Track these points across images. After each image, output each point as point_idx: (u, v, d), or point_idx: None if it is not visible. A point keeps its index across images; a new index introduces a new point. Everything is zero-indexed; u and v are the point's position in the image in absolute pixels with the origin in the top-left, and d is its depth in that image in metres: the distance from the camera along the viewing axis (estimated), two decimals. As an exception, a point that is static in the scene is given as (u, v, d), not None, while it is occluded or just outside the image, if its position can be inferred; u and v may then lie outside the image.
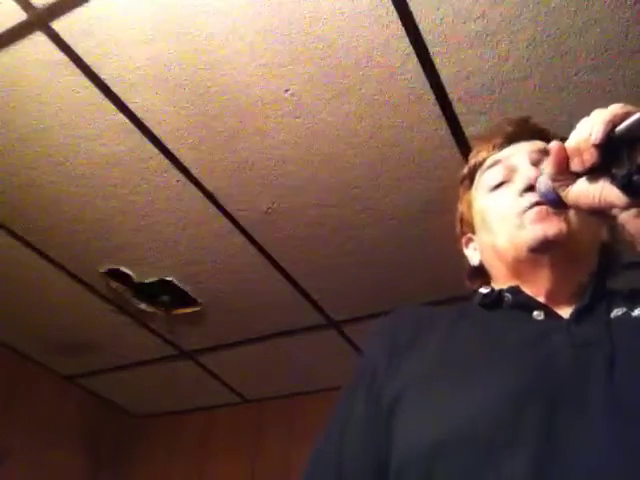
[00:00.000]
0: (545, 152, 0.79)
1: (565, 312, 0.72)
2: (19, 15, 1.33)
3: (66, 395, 2.77)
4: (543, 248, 0.74)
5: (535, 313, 0.72)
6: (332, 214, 1.78)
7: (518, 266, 0.78)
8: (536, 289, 0.77)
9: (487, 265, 0.86)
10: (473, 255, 0.89)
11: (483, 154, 0.87)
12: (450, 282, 1.83)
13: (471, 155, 0.91)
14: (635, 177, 0.58)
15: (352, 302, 2.13)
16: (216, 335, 2.38)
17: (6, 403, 2.48)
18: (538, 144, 0.83)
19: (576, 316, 0.70)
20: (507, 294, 0.76)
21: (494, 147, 0.86)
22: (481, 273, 0.87)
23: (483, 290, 0.80)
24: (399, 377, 0.71)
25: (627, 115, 0.58)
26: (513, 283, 0.78)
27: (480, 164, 0.87)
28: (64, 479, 2.63)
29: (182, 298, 2.17)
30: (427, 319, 0.80)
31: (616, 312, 0.70)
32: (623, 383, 0.60)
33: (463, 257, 0.92)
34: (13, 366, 2.55)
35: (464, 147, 1.55)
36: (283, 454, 2.61)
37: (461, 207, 0.92)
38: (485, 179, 0.85)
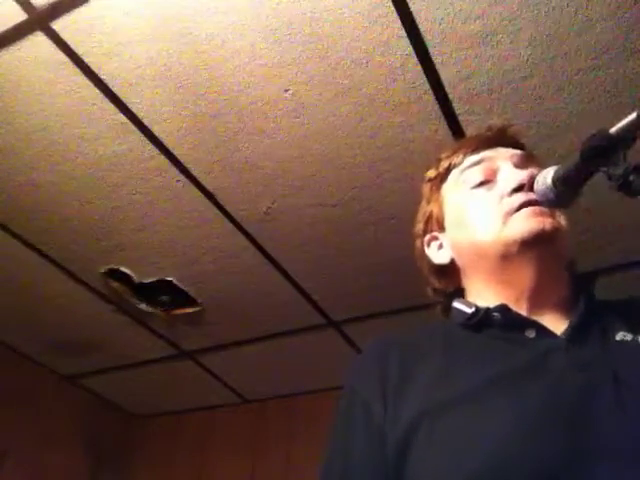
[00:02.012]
0: (528, 157, 0.84)
1: (555, 326, 0.71)
2: (19, 15, 1.33)
3: (66, 395, 2.77)
4: (538, 240, 0.73)
5: (527, 332, 0.70)
6: (332, 214, 1.78)
7: (502, 263, 0.76)
8: (518, 290, 0.76)
9: (460, 262, 0.84)
10: (438, 254, 0.87)
11: (460, 155, 0.87)
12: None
13: (444, 155, 0.90)
14: (631, 176, 0.59)
15: (352, 302, 2.13)
16: (216, 335, 2.38)
17: (6, 403, 2.47)
18: (517, 151, 0.85)
19: (571, 335, 0.69)
20: (495, 313, 0.74)
21: (473, 150, 0.87)
22: (449, 271, 0.86)
23: (465, 308, 0.77)
24: (403, 416, 0.68)
25: None
26: (491, 284, 0.78)
27: (457, 165, 0.87)
28: (64, 479, 2.63)
29: (182, 298, 2.17)
30: (411, 349, 0.76)
31: (622, 336, 0.68)
32: (633, 404, 0.59)
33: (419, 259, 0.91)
34: (13, 366, 2.55)
35: (464, 147, 1.55)
36: (283, 454, 2.61)
37: (428, 206, 0.92)
38: (466, 177, 0.84)
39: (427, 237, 0.90)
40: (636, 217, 1.65)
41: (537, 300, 0.75)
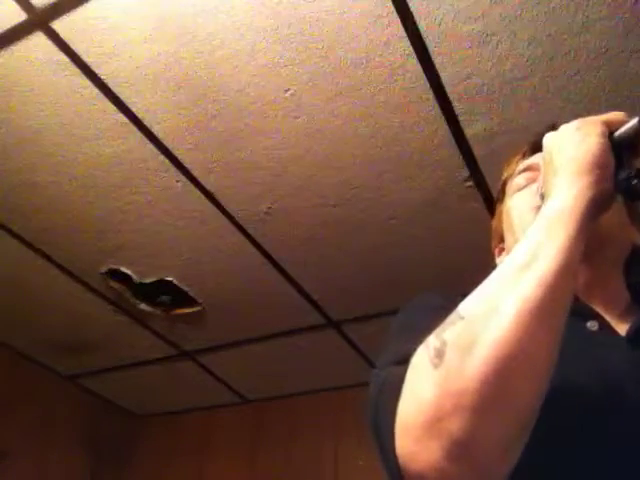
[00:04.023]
0: None
1: (617, 325, 0.68)
2: (19, 15, 1.33)
3: (66, 395, 2.77)
4: None
5: (589, 323, 0.68)
6: (332, 214, 1.78)
7: None
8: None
9: None
10: (498, 260, 0.89)
11: (512, 165, 0.89)
12: (451, 282, 1.83)
13: (503, 171, 0.92)
14: (634, 181, 0.58)
15: (352, 302, 2.13)
16: (216, 335, 2.38)
17: (6, 403, 2.47)
18: None
19: (634, 336, 0.65)
20: None
21: (522, 156, 0.88)
22: None
23: None
24: None
25: (623, 122, 0.59)
26: None
27: (510, 175, 0.88)
28: (64, 479, 2.63)
29: (182, 298, 2.17)
30: None
31: None
32: None
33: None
34: (13, 366, 2.55)
35: (464, 147, 1.55)
36: (283, 454, 2.61)
37: (493, 221, 0.94)
38: (514, 184, 0.86)
39: (497, 249, 0.92)
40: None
41: (590, 299, 0.72)
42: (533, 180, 0.81)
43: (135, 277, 2.09)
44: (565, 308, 0.53)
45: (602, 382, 0.60)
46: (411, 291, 2.03)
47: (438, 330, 0.54)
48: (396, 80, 1.41)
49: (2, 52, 1.41)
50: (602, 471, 0.57)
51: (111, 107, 1.53)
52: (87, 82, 1.47)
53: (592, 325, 0.67)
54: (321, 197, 1.73)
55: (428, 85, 1.41)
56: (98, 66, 1.44)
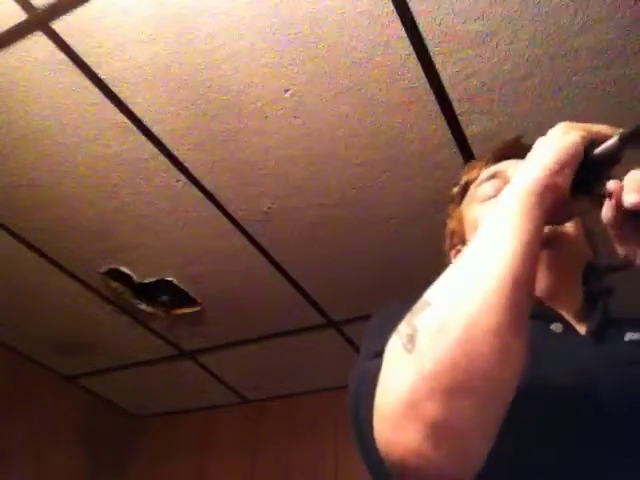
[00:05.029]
0: None
1: (578, 326, 0.72)
2: (19, 15, 1.33)
3: (66, 395, 2.77)
4: (549, 241, 0.74)
5: (553, 326, 0.71)
6: (332, 214, 1.78)
7: None
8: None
9: None
10: None
11: (476, 171, 0.90)
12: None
13: (463, 174, 0.94)
14: (601, 198, 0.60)
15: (352, 302, 2.13)
16: (216, 335, 2.38)
17: (6, 403, 2.47)
18: None
19: (594, 333, 0.70)
20: None
21: (486, 164, 0.89)
22: None
23: None
24: None
25: (606, 136, 0.61)
26: None
27: (473, 180, 0.90)
28: (64, 479, 2.63)
29: (182, 298, 2.17)
30: None
31: (631, 336, 0.70)
32: None
33: None
34: (13, 366, 2.55)
35: (464, 147, 1.55)
36: (283, 454, 2.61)
37: (451, 223, 0.95)
38: (480, 191, 0.86)
39: (453, 252, 0.94)
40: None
41: (555, 303, 0.75)
42: (501, 190, 0.82)
43: (135, 277, 2.09)
44: (528, 284, 0.55)
45: (570, 376, 0.62)
46: (411, 291, 2.03)
47: (407, 317, 0.56)
48: (396, 80, 1.41)
49: (2, 52, 1.41)
50: (573, 461, 0.58)
51: (111, 107, 1.53)
52: (87, 82, 1.47)
53: (556, 327, 0.71)
54: (321, 197, 1.73)
55: (428, 85, 1.41)
56: (98, 66, 1.44)
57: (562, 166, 0.60)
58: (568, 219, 0.69)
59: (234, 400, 2.87)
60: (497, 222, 0.58)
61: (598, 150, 0.61)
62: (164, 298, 2.17)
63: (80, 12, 1.32)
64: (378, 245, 1.87)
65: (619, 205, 0.57)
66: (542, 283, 0.75)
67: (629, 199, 0.55)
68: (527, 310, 0.54)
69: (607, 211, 0.59)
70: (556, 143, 0.61)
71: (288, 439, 2.64)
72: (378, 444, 0.52)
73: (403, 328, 0.55)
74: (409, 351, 0.52)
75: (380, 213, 1.77)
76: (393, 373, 0.53)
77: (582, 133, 0.62)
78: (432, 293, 0.57)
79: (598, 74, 1.34)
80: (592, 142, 0.61)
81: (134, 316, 2.30)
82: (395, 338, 0.55)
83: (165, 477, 2.84)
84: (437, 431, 0.49)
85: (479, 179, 0.88)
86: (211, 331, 2.36)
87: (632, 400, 0.61)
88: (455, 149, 1.55)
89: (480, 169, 0.89)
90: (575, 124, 0.64)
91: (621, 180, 0.59)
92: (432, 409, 0.49)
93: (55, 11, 1.32)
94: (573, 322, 0.73)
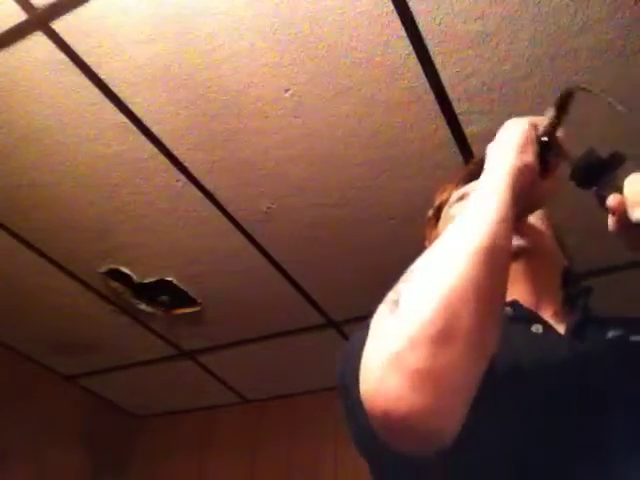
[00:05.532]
0: None
1: (558, 326, 0.74)
2: (19, 15, 1.33)
3: (66, 395, 2.77)
4: (527, 252, 0.78)
5: (534, 327, 0.73)
6: (332, 214, 1.78)
7: None
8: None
9: None
10: None
11: (447, 193, 0.92)
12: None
13: (436, 196, 0.96)
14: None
15: (352, 302, 2.13)
16: (216, 335, 2.38)
17: (6, 403, 2.47)
18: None
19: (574, 333, 0.72)
20: (507, 307, 0.77)
21: (457, 184, 0.91)
22: None
23: None
24: None
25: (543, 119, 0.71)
26: None
27: (445, 202, 0.92)
28: (64, 479, 2.63)
29: (182, 298, 2.17)
30: None
31: (613, 333, 0.72)
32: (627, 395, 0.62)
33: None
34: (13, 366, 2.55)
35: (464, 147, 1.55)
36: (283, 454, 2.61)
37: (428, 245, 0.96)
38: (451, 212, 0.88)
39: None
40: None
41: (536, 305, 0.78)
42: None
43: (135, 277, 2.09)
44: (504, 252, 0.60)
45: (548, 376, 0.65)
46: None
47: (395, 287, 0.61)
48: (396, 80, 1.41)
49: (2, 52, 1.41)
50: (548, 460, 0.60)
51: (111, 107, 1.53)
52: (87, 82, 1.47)
53: (537, 328, 0.73)
54: (321, 197, 1.73)
55: (428, 85, 1.41)
56: (98, 66, 1.44)
57: (524, 147, 0.67)
58: (542, 201, 0.75)
59: (234, 400, 2.87)
60: (475, 202, 0.64)
61: (542, 127, 0.70)
62: (164, 298, 2.17)
63: (80, 12, 1.32)
64: (378, 245, 1.87)
65: (623, 220, 0.59)
66: (522, 290, 0.78)
67: (636, 215, 0.58)
68: (503, 279, 0.58)
69: (611, 225, 0.62)
70: (511, 133, 0.69)
71: (288, 439, 2.64)
72: (363, 399, 0.54)
73: (390, 295, 0.60)
74: (392, 312, 0.56)
75: (380, 213, 1.77)
76: (377, 333, 0.57)
77: (524, 120, 0.70)
78: (417, 263, 0.62)
79: (598, 74, 1.34)
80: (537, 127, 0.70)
81: (134, 316, 2.30)
82: (382, 305, 0.59)
83: (165, 477, 2.84)
84: (420, 378, 0.51)
85: (450, 200, 0.90)
86: (211, 331, 2.36)
87: (609, 397, 0.63)
88: (455, 149, 1.55)
89: (451, 191, 0.91)
90: (515, 119, 0.72)
91: (617, 182, 0.60)
92: (415, 357, 0.51)
93: (55, 11, 1.32)
94: (553, 323, 0.75)
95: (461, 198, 0.87)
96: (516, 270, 0.77)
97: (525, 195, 0.66)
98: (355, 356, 0.59)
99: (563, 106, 0.68)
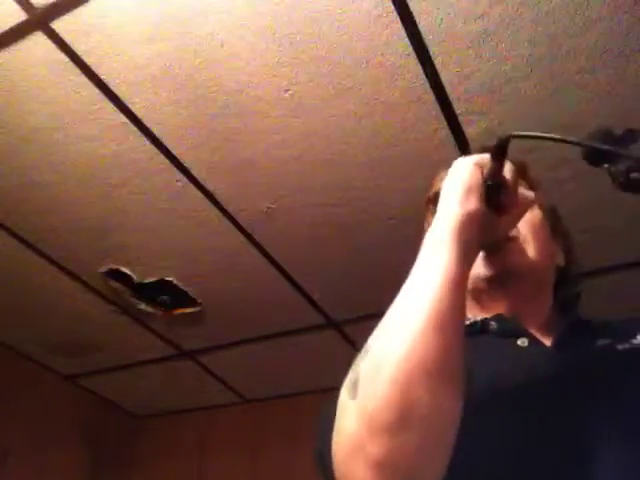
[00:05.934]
0: None
1: (545, 338, 0.74)
2: (19, 15, 1.33)
3: (66, 395, 2.77)
4: (502, 279, 0.78)
5: (519, 341, 0.73)
6: (332, 214, 1.78)
7: (475, 295, 0.81)
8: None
9: None
10: None
11: (441, 182, 0.90)
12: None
13: (435, 182, 0.93)
14: (634, 174, 0.60)
15: (352, 302, 2.13)
16: (216, 335, 2.38)
17: (6, 403, 2.47)
18: None
19: (560, 344, 0.72)
20: (492, 322, 0.77)
21: (428, 208, 0.90)
22: None
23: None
24: None
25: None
26: (472, 310, 0.81)
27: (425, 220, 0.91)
28: (64, 479, 2.63)
29: (182, 298, 2.17)
30: None
31: (602, 342, 0.72)
32: (619, 409, 0.62)
33: None
34: (13, 366, 2.55)
35: (464, 147, 1.55)
36: (284, 454, 2.61)
37: (427, 227, 0.96)
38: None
39: None
40: (635, 218, 1.65)
41: (523, 318, 0.78)
42: None
43: (135, 277, 2.09)
44: (454, 317, 0.57)
45: (530, 389, 0.65)
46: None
47: (353, 365, 0.60)
48: (396, 80, 1.41)
49: (2, 52, 1.41)
50: (533, 467, 0.60)
51: (111, 107, 1.53)
52: (87, 82, 1.47)
53: (522, 342, 0.73)
54: (321, 197, 1.73)
55: (428, 85, 1.41)
56: (98, 66, 1.44)
57: (467, 194, 0.63)
58: (505, 235, 0.72)
59: (234, 400, 2.87)
60: (420, 264, 0.63)
61: (486, 169, 0.66)
62: (164, 298, 2.17)
63: (80, 12, 1.32)
64: (378, 245, 1.87)
65: None
66: (508, 310, 0.78)
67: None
68: (456, 343, 0.56)
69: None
70: (455, 178, 0.66)
71: (288, 439, 2.64)
72: None
73: (350, 375, 0.59)
74: (352, 397, 0.56)
75: (380, 213, 1.76)
76: (342, 420, 0.57)
77: (470, 161, 0.67)
78: (372, 337, 0.61)
79: (598, 74, 1.34)
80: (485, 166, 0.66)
81: (134, 316, 2.30)
82: (344, 386, 0.59)
83: (165, 476, 2.84)
84: (382, 468, 0.52)
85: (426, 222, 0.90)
86: (211, 331, 2.36)
87: (590, 408, 0.62)
88: (455, 149, 1.55)
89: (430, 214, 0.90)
90: (467, 157, 0.68)
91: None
92: (375, 449, 0.52)
93: (55, 11, 1.32)
94: (540, 335, 0.75)
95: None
96: (503, 292, 0.78)
97: (478, 240, 0.65)
98: (327, 437, 0.60)
99: (501, 154, 0.65)
